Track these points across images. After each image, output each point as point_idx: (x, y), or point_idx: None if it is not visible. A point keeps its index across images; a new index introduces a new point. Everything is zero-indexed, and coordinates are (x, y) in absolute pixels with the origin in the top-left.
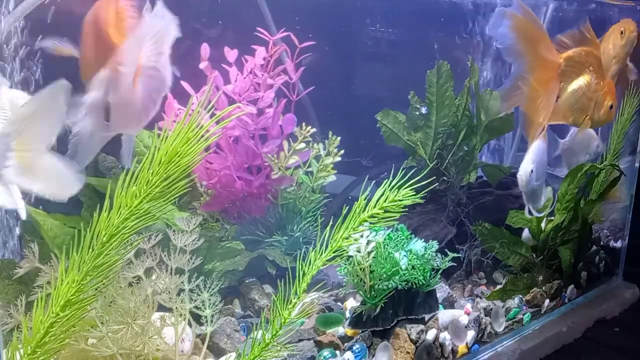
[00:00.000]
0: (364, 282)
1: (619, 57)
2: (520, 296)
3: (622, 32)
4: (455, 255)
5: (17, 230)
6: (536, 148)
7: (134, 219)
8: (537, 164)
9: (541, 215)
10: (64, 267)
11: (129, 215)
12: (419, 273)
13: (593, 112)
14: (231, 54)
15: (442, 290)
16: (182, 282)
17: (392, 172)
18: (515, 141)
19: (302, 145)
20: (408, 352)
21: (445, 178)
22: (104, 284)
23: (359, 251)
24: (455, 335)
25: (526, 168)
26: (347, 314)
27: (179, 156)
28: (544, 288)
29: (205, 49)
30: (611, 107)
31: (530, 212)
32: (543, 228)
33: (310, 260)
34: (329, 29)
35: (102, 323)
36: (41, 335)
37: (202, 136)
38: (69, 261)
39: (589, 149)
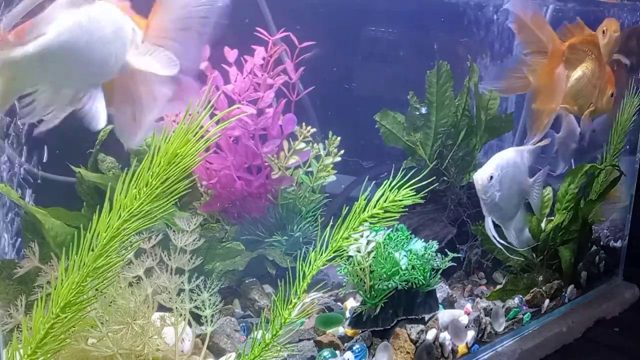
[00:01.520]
0: (364, 282)
1: (605, 54)
2: (520, 296)
3: (604, 32)
4: (456, 255)
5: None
6: (503, 155)
7: (134, 221)
8: (502, 174)
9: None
10: (63, 268)
11: (129, 217)
12: (419, 273)
13: (597, 100)
14: (231, 54)
15: (442, 290)
16: (182, 282)
17: (392, 172)
18: (515, 141)
19: (302, 145)
20: (408, 352)
21: (445, 178)
22: (104, 285)
23: (359, 251)
24: (455, 335)
25: (485, 171)
26: (347, 314)
27: (179, 157)
28: (544, 288)
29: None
30: (612, 95)
31: (496, 238)
32: (543, 228)
33: (310, 261)
34: (328, 29)
35: (102, 323)
36: (41, 336)
37: (202, 137)
38: (69, 261)
39: (577, 137)
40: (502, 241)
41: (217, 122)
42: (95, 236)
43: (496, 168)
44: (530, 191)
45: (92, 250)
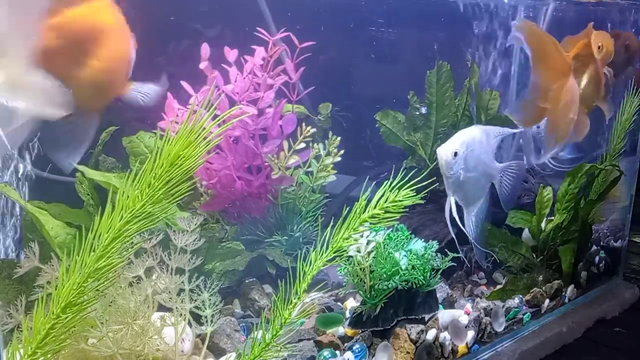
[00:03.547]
0: (364, 282)
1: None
2: (520, 296)
3: (599, 47)
4: (455, 255)
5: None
6: (469, 133)
7: (136, 222)
8: (468, 152)
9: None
10: (64, 268)
11: (131, 218)
12: (419, 273)
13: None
14: (231, 54)
15: (442, 290)
16: (182, 282)
17: (392, 172)
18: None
19: (302, 145)
20: (408, 352)
21: None
22: (105, 285)
23: (359, 251)
24: (455, 335)
25: (449, 146)
26: (347, 314)
27: (181, 159)
28: (544, 288)
29: (205, 49)
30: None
31: (455, 220)
32: (543, 228)
33: (310, 261)
34: (329, 29)
35: (102, 323)
36: (42, 336)
37: (205, 139)
38: (70, 261)
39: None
40: (460, 223)
41: (219, 123)
42: (97, 237)
43: (462, 145)
44: (497, 176)
45: (94, 250)
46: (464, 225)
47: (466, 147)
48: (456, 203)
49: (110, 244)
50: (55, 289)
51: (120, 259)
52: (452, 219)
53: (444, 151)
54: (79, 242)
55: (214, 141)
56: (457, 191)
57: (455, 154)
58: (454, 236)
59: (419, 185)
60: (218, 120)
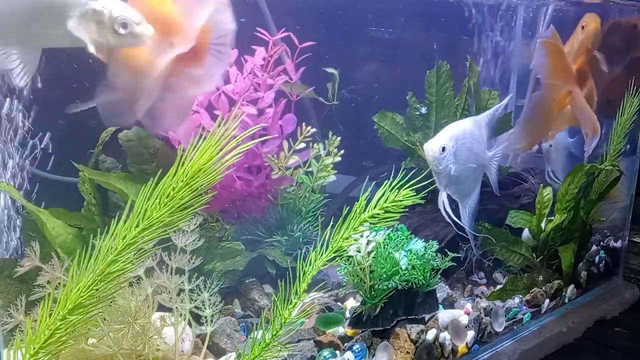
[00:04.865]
0: (364, 282)
1: (582, 50)
2: (520, 296)
3: (582, 27)
4: (455, 255)
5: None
6: (458, 126)
7: (152, 230)
8: (458, 146)
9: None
10: (74, 270)
11: (148, 226)
12: (419, 273)
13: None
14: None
15: (442, 290)
16: (182, 282)
17: (392, 172)
18: None
19: (303, 145)
20: (408, 352)
21: None
22: (114, 289)
23: (359, 251)
24: (455, 335)
25: (437, 142)
26: (347, 314)
27: (202, 173)
28: (544, 288)
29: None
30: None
31: (450, 216)
32: (543, 228)
33: (310, 261)
34: (330, 29)
35: (103, 322)
36: (46, 337)
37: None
38: (74, 263)
39: None
40: (455, 219)
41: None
42: (112, 241)
43: (450, 139)
44: (488, 165)
45: (109, 254)
46: (459, 219)
47: (455, 141)
48: (450, 197)
49: (124, 250)
50: (63, 290)
51: (132, 265)
52: (449, 215)
53: (431, 147)
54: (90, 245)
55: (234, 158)
56: (449, 186)
57: (444, 149)
58: (457, 231)
59: (418, 185)
60: (240, 137)
